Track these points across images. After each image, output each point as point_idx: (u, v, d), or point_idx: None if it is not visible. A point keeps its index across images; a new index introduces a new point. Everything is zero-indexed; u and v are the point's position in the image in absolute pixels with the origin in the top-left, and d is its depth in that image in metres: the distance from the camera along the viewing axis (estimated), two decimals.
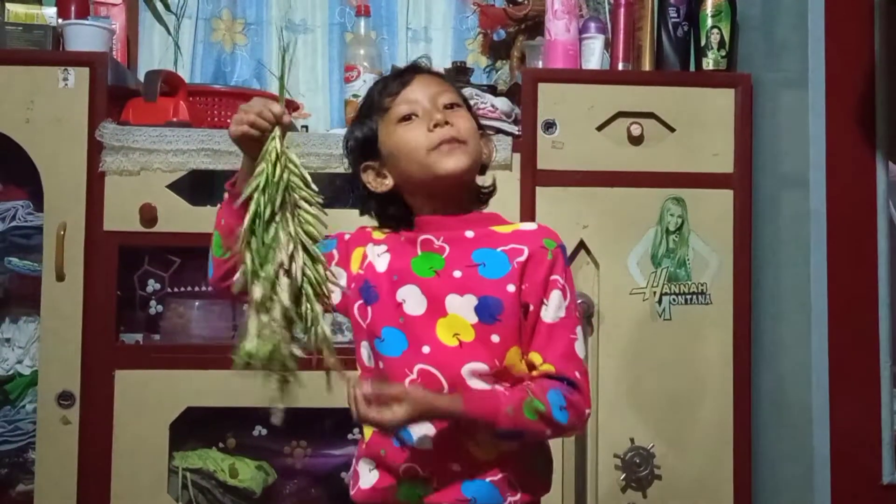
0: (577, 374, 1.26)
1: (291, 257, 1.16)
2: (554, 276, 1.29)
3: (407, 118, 1.31)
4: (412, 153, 1.30)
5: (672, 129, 1.95)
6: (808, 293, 1.74)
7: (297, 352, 1.16)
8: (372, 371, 1.33)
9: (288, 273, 1.16)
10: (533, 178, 1.91)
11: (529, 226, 1.35)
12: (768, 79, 1.93)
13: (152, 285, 1.97)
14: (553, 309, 1.28)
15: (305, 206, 1.19)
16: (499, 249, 1.30)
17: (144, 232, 1.88)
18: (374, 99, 1.36)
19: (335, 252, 1.38)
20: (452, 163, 1.29)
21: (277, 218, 1.17)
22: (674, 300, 1.93)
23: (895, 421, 1.79)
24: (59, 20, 2.01)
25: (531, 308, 1.28)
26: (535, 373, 1.27)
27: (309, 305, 1.16)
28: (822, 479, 1.72)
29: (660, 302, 1.93)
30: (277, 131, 1.20)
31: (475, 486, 1.26)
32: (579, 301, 1.88)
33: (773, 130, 1.91)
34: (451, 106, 1.31)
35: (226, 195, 1.33)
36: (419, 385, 1.25)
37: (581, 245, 1.93)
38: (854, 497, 1.73)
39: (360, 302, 1.33)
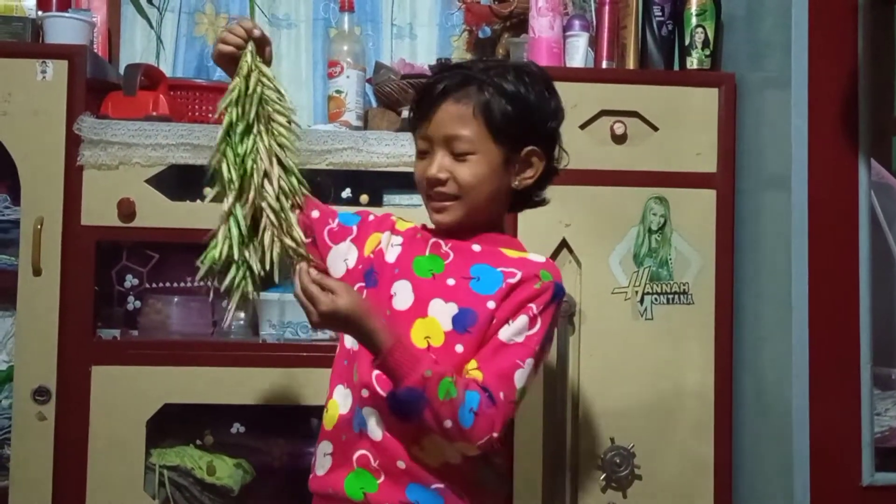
0: (501, 394, 1.23)
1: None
2: (530, 304, 1.27)
3: (422, 153, 1.34)
4: (419, 188, 1.36)
5: (655, 128, 1.94)
6: (790, 293, 1.73)
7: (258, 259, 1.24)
8: (349, 354, 1.33)
9: (270, 180, 1.23)
10: None
11: (537, 257, 1.36)
12: (752, 78, 1.93)
13: (130, 281, 1.95)
14: (512, 331, 1.27)
15: (279, 118, 1.26)
16: (497, 269, 1.30)
17: (122, 227, 1.86)
18: (416, 104, 1.37)
19: (354, 228, 1.42)
20: (439, 218, 1.33)
21: (254, 130, 1.23)
22: (655, 300, 1.93)
23: (875, 422, 1.79)
24: (39, 12, 1.99)
25: (494, 321, 1.27)
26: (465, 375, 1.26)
27: (284, 215, 1.24)
28: (801, 481, 1.71)
29: (641, 301, 1.92)
30: (250, 46, 1.26)
31: (419, 492, 1.27)
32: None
33: (756, 130, 1.90)
34: (462, 156, 1.30)
35: None
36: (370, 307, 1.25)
37: (563, 244, 1.92)
38: (833, 498, 1.72)
39: (361, 284, 1.35)
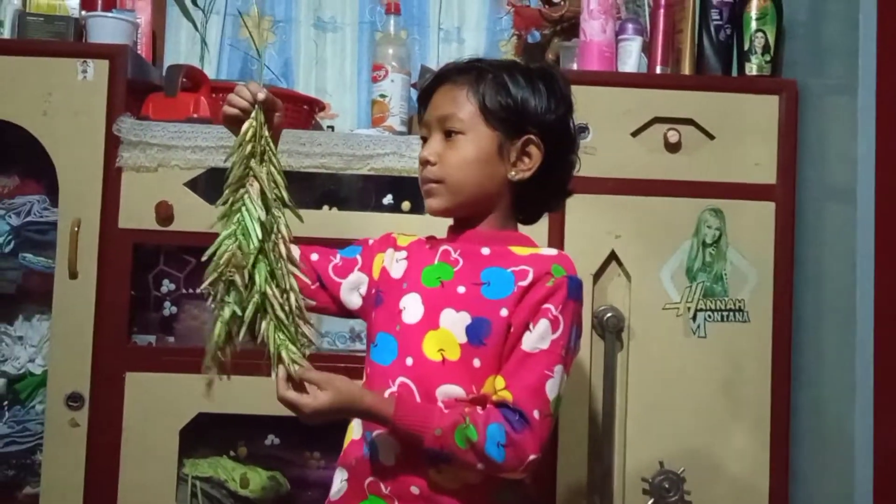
0: (535, 412, 1.18)
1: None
2: (547, 305, 1.21)
3: (423, 140, 1.33)
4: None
5: (711, 137, 1.86)
6: (854, 313, 1.64)
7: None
8: (367, 375, 1.31)
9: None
10: None
11: (549, 251, 1.30)
12: (815, 85, 1.84)
13: (167, 286, 1.91)
14: (535, 338, 1.21)
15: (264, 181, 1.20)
16: (508, 270, 1.24)
17: (160, 230, 1.82)
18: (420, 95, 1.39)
19: (358, 258, 1.40)
20: (428, 203, 1.30)
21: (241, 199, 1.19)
22: (709, 317, 1.84)
23: None
24: (83, 12, 1.98)
25: (511, 329, 1.21)
26: (493, 397, 1.21)
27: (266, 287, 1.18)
28: None
29: (694, 318, 1.84)
30: (255, 112, 1.21)
31: None
32: (609, 315, 1.81)
33: (819, 140, 1.81)
34: (453, 136, 1.27)
35: None
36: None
37: (612, 256, 1.85)
38: None
39: (374, 307, 1.31)
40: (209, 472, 1.87)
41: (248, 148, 1.20)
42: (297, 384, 1.17)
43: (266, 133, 1.21)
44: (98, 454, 1.79)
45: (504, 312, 1.22)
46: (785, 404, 1.83)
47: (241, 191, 1.20)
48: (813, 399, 1.80)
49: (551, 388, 1.20)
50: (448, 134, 1.27)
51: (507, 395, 1.19)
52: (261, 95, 1.21)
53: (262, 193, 1.19)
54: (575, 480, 1.81)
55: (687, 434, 1.82)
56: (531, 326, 1.21)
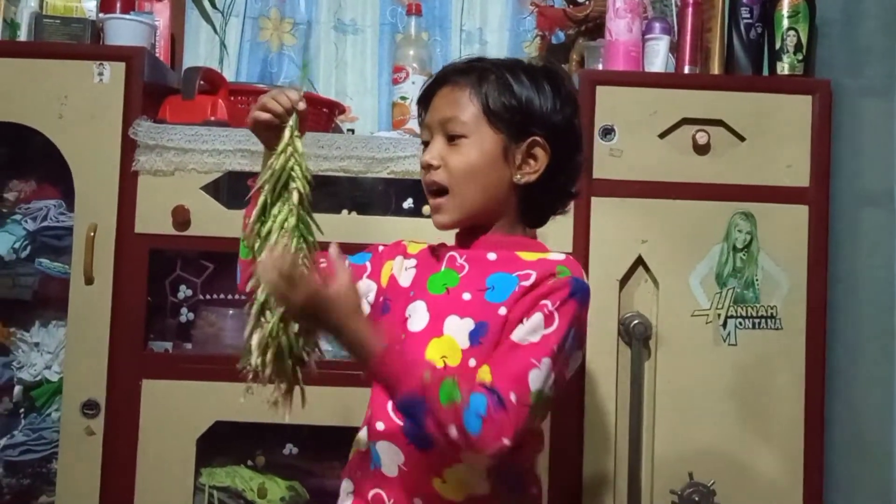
0: (511, 395, 1.10)
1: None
2: (544, 301, 1.15)
3: (424, 144, 1.29)
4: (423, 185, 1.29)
5: (742, 138, 1.81)
6: (892, 320, 1.58)
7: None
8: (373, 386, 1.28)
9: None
10: (588, 187, 1.77)
11: (557, 255, 1.24)
12: (850, 85, 1.78)
13: (184, 291, 1.89)
14: (526, 330, 1.15)
15: (296, 199, 1.14)
16: (514, 274, 1.20)
17: (177, 235, 1.79)
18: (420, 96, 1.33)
19: (368, 265, 1.37)
20: (436, 219, 1.26)
21: (276, 211, 1.13)
22: (740, 324, 1.79)
23: None
24: (100, 14, 1.95)
25: (507, 324, 1.17)
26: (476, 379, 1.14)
27: None
28: None
29: (724, 325, 1.79)
30: (293, 120, 1.16)
31: None
32: (636, 322, 1.76)
33: (854, 141, 1.76)
34: (455, 139, 1.23)
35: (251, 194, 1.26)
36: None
37: (639, 261, 1.80)
38: None
39: (380, 315, 1.29)
40: (226, 482, 1.84)
41: (302, 160, 1.15)
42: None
43: (299, 147, 1.17)
44: (114, 463, 1.76)
45: (502, 311, 1.17)
46: (819, 414, 1.78)
47: (286, 197, 1.14)
48: (848, 409, 1.74)
49: (535, 379, 1.12)
50: (450, 137, 1.23)
51: (485, 377, 1.13)
52: (302, 105, 1.18)
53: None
54: (601, 492, 1.77)
55: (717, 445, 1.77)
56: (524, 320, 1.15)
